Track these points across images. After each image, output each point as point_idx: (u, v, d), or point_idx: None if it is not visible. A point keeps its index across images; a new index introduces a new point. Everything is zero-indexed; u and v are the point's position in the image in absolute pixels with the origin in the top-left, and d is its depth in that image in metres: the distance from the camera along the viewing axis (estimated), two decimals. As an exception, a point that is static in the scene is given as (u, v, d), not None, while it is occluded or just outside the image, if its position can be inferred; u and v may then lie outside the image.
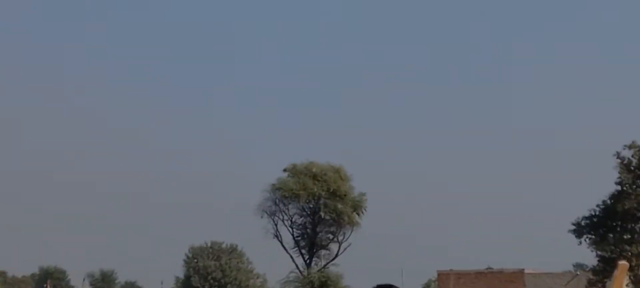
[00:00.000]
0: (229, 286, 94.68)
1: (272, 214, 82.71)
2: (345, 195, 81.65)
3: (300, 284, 76.96)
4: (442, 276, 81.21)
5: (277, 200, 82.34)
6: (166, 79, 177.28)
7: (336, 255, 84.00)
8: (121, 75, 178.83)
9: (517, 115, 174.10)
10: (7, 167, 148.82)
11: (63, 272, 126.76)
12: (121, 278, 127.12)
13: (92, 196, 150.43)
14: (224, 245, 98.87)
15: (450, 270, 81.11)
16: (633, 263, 60.44)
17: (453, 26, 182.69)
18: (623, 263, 9.02)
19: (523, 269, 78.71)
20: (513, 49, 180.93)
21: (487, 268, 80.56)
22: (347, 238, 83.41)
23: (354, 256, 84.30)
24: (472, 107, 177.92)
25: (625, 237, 62.69)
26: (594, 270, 64.95)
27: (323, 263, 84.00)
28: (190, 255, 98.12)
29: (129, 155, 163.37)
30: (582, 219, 65.50)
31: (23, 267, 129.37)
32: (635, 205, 62.12)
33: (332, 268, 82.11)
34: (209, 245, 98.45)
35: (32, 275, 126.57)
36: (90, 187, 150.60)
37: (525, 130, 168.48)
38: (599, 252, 63.59)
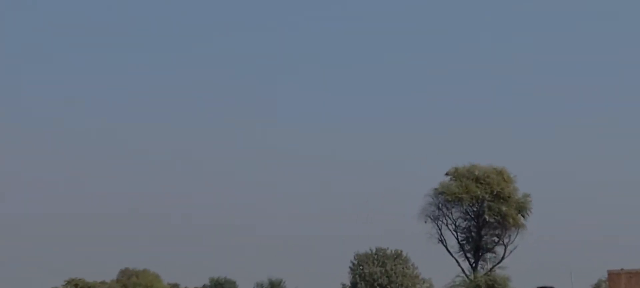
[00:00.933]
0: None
1: (435, 219, 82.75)
2: (509, 197, 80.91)
3: (466, 288, 76.71)
4: (613, 275, 79.24)
5: (440, 205, 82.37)
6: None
7: (502, 258, 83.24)
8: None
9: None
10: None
11: (233, 283, 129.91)
12: (290, 286, 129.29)
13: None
14: (388, 251, 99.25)
15: (622, 269, 79.15)
16: None
17: None
18: None
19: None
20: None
21: (661, 269, 78.26)
22: (513, 240, 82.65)
23: (520, 258, 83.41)
24: None
25: None
26: None
27: (489, 266, 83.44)
28: (355, 262, 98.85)
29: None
30: None
31: (194, 279, 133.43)
32: None
33: (499, 271, 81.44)
34: (374, 251, 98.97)
35: (204, 286, 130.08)
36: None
37: None
38: None
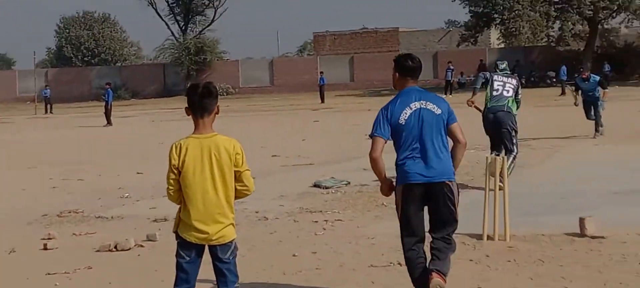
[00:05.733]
0: (102, 55, 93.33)
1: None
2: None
3: (176, 51, 76.52)
4: (318, 38, 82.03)
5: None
6: None
7: (212, 21, 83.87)
8: None
9: None
10: None
11: None
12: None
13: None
14: (96, 14, 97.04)
15: (326, 31, 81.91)
16: (505, 17, 62.10)
17: None
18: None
19: (397, 28, 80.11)
20: None
21: (362, 28, 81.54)
22: (223, 3, 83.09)
23: (230, 21, 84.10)
24: None
25: (497, -9, 64.05)
26: (466, 26, 66.60)
27: (199, 29, 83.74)
28: (61, 26, 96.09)
29: None
30: (456, -24, 66.49)
31: None
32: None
33: (208, 34, 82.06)
34: (81, 14, 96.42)
35: None
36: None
37: None
38: (472, 8, 65.02)
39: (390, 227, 10.59)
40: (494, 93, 14.53)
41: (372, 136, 7.04)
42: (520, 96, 14.76)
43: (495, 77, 14.77)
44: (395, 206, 7.20)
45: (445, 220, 7.01)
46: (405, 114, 6.99)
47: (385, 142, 7.02)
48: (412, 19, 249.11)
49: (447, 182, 6.95)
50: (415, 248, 7.02)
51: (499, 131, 14.30)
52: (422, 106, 7.02)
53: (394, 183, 7.10)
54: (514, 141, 14.39)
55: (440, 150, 6.97)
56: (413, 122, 6.96)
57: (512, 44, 68.85)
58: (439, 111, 7.01)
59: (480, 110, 14.99)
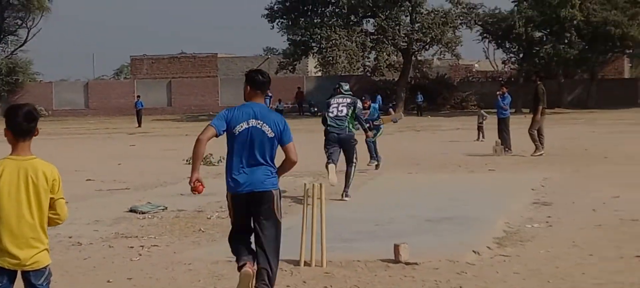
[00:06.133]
0: None
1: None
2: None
3: (-13, 70, 73.87)
4: (136, 61, 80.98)
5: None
6: None
7: (25, 41, 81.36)
8: None
9: None
10: None
11: None
12: None
13: None
14: None
15: (144, 55, 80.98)
16: (322, 46, 63.13)
17: None
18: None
19: (216, 53, 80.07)
20: None
21: (180, 53, 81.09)
22: (37, 23, 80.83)
23: (44, 42, 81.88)
24: None
25: (315, 20, 65.11)
26: (284, 54, 67.31)
27: (11, 49, 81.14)
28: None
29: None
30: (275, 4, 67.19)
31: None
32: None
33: (21, 55, 79.65)
34: None
35: None
36: None
37: None
38: (290, 36, 65.78)
39: (207, 252, 10.52)
40: (330, 113, 15.77)
41: (211, 124, 7.75)
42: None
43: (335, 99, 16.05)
44: (228, 213, 8.18)
45: (266, 222, 7.86)
46: (242, 126, 7.72)
47: (217, 136, 7.77)
48: (231, 45, 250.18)
49: (273, 190, 7.81)
50: (242, 241, 7.95)
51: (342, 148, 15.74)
52: (258, 125, 7.73)
53: (201, 183, 7.77)
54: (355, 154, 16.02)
55: (266, 164, 7.78)
56: (245, 136, 7.71)
57: (329, 73, 70.03)
58: (271, 134, 7.75)
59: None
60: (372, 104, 22.56)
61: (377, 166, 20.95)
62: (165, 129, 50.69)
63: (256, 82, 7.90)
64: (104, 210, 14.69)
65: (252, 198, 7.74)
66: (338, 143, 15.63)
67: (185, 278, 9.18)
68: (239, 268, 7.82)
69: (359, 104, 16.45)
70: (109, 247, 11.26)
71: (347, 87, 16.47)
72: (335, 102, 15.86)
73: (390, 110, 22.11)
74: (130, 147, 34.24)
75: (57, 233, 11.37)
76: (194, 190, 7.80)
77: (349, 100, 15.85)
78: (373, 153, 21.01)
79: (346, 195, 15.57)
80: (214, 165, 21.60)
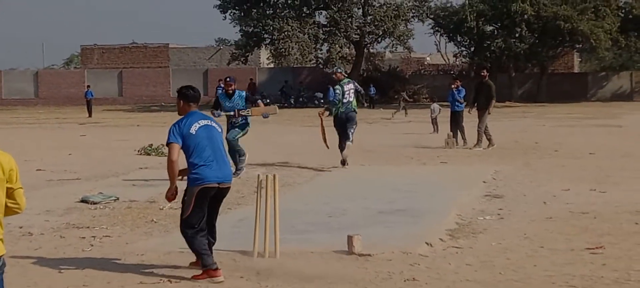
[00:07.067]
0: None
1: None
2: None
3: None
4: (86, 51, 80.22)
5: None
6: None
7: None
8: None
9: None
10: None
11: None
12: None
13: None
14: None
15: (95, 44, 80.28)
16: (274, 37, 62.98)
17: None
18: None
19: (168, 44, 79.57)
20: None
21: (131, 43, 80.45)
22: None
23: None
24: None
25: (268, 12, 64.92)
26: (236, 45, 67.05)
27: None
28: None
29: None
30: (227, -6, 66.86)
31: None
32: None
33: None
34: None
35: None
36: None
37: None
38: (243, 27, 65.53)
39: (160, 243, 10.47)
40: (344, 99, 18.96)
41: (168, 143, 8.48)
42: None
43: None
44: (182, 205, 8.67)
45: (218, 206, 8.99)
46: (195, 127, 8.54)
47: (180, 148, 8.47)
48: (183, 36, 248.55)
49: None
50: (203, 235, 8.59)
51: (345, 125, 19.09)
52: (208, 124, 8.70)
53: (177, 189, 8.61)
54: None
55: (226, 158, 8.85)
56: (203, 133, 8.55)
57: (282, 65, 69.93)
58: (220, 130, 8.88)
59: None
60: (238, 92, 17.87)
61: (236, 173, 16.45)
62: (116, 119, 50.26)
63: (188, 96, 8.81)
64: (55, 201, 14.54)
65: (220, 191, 8.67)
66: (347, 121, 18.98)
67: (137, 269, 9.12)
68: (213, 271, 8.36)
69: (359, 87, 20.35)
70: (60, 237, 11.16)
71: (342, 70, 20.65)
72: (347, 88, 19.01)
73: (259, 101, 18.05)
74: (80, 137, 33.90)
75: (7, 223, 11.15)
76: (170, 199, 8.75)
77: (352, 86, 19.30)
78: (238, 157, 17.65)
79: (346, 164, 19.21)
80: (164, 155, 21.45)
